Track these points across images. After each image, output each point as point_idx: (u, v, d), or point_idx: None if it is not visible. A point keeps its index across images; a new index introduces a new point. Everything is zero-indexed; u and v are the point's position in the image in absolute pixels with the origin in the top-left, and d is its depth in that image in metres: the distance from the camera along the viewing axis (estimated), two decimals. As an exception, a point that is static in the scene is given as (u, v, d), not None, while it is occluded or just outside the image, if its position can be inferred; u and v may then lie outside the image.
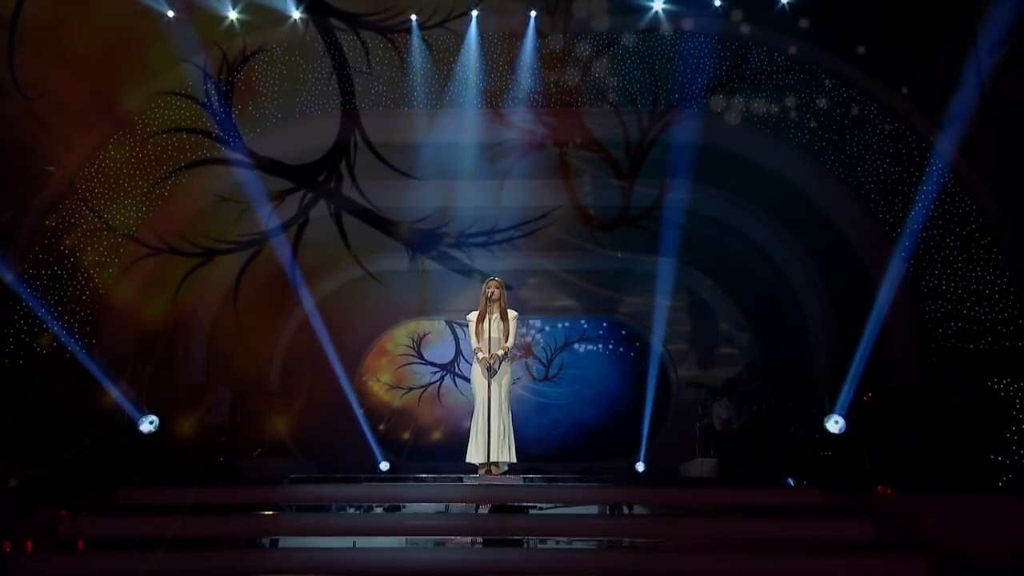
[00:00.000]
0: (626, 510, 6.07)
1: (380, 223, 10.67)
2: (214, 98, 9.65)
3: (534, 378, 12.52)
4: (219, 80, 9.64)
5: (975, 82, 9.17)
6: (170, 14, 9.39)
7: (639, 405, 11.49)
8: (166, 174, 9.64)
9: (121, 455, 7.68)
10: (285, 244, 10.68)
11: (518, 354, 12.21)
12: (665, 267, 11.78)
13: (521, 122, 10.12)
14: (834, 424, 7.84)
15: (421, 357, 12.57)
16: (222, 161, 9.86)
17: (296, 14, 9.61)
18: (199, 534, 5.38)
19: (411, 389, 12.39)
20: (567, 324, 12.76)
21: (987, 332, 8.86)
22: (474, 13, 9.64)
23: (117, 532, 5.42)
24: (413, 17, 9.66)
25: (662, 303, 12.20)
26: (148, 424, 7.79)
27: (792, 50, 9.72)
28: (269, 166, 9.99)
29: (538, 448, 11.49)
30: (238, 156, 9.83)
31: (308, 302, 11.22)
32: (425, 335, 12.60)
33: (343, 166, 10.18)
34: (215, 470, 8.62)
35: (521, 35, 9.80)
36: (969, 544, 5.19)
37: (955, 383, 7.94)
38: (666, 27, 9.77)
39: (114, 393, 7.96)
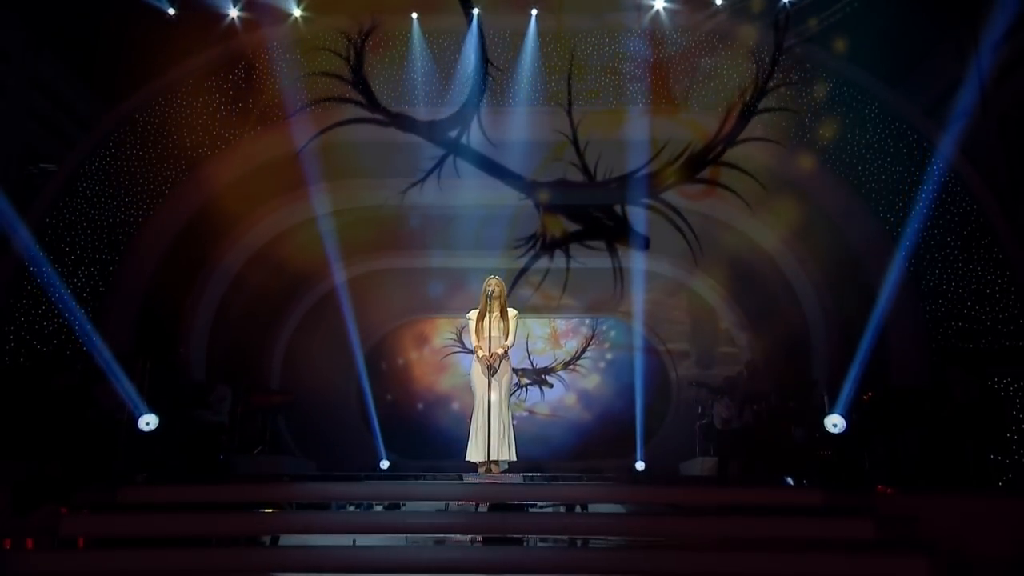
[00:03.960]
0: (625, 509, 6.07)
1: (504, 173, 10.56)
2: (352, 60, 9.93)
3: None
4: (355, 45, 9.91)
5: (976, 81, 9.18)
6: (171, 12, 9.45)
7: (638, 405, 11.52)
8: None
9: (122, 453, 7.69)
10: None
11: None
12: (665, 266, 11.80)
13: None
14: (833, 426, 7.83)
15: (464, 347, 12.55)
16: (368, 120, 10.04)
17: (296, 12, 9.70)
18: (199, 532, 5.38)
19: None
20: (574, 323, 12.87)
21: (987, 332, 8.87)
22: (533, 12, 9.81)
23: (118, 530, 5.42)
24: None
25: (662, 302, 12.23)
26: (145, 424, 7.77)
27: (793, 49, 9.71)
28: (403, 122, 10.10)
29: (538, 448, 11.53)
30: (377, 116, 10.04)
31: (340, 282, 11.31)
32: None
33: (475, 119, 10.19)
34: (215, 468, 8.64)
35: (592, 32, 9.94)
36: (969, 544, 5.18)
37: (955, 383, 7.93)
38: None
39: (116, 390, 7.96)
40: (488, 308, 6.76)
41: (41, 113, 9.98)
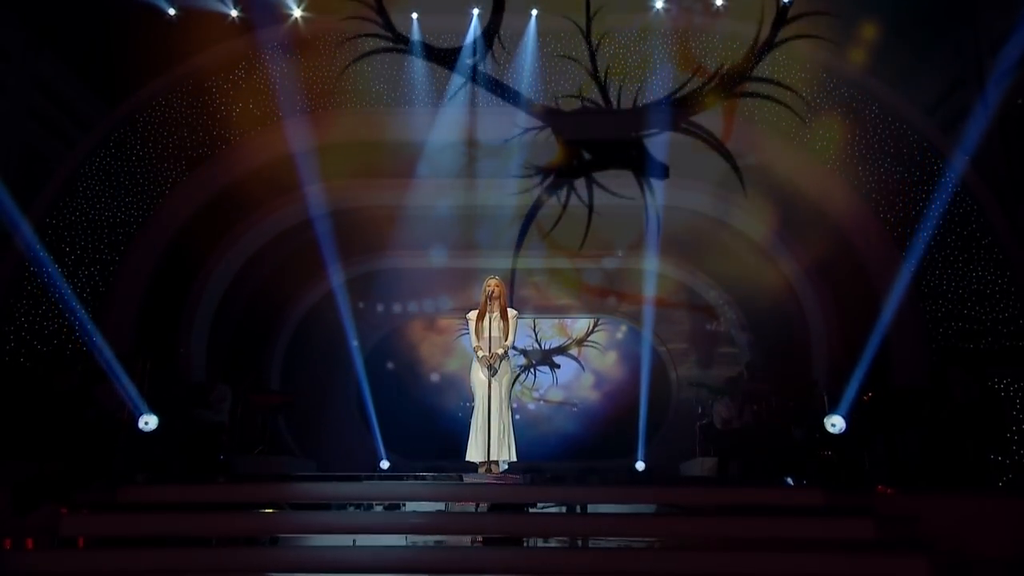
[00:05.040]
0: (625, 509, 6.07)
1: (521, 100, 10.28)
2: None
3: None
4: None
5: (977, 81, 9.18)
6: (171, 12, 9.46)
7: (639, 404, 11.51)
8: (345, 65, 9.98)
9: (122, 453, 7.68)
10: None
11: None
12: (665, 265, 11.79)
13: None
14: (833, 426, 7.82)
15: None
16: (391, 50, 10.02)
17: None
18: (199, 532, 5.39)
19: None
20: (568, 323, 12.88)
21: (988, 332, 8.88)
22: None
23: (118, 530, 5.42)
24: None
25: (662, 301, 12.22)
26: (145, 424, 7.77)
27: (793, 48, 9.70)
28: (423, 50, 10.05)
29: (538, 447, 11.52)
30: (400, 46, 10.01)
31: (338, 283, 11.28)
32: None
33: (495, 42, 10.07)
34: (215, 468, 8.64)
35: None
36: (969, 544, 5.19)
37: (955, 383, 7.93)
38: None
39: (116, 390, 7.96)
40: (488, 308, 6.76)
41: (41, 113, 9.98)
